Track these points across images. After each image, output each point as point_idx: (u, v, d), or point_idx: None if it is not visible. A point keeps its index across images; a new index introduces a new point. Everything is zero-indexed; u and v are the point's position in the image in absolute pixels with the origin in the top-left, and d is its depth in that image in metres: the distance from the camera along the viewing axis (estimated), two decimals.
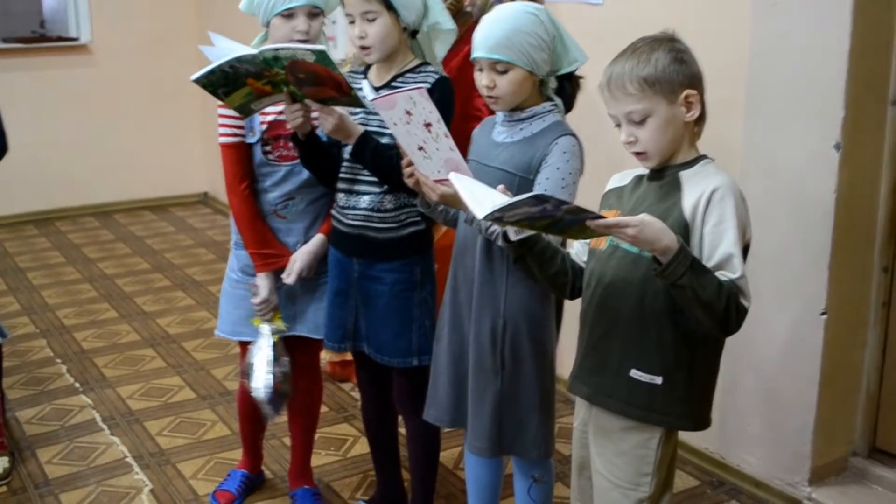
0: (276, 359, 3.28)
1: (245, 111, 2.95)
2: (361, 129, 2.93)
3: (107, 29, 7.98)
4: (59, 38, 8.04)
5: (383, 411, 3.43)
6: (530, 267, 2.52)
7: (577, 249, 2.57)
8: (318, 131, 3.06)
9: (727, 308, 2.17)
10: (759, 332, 3.49)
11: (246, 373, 3.32)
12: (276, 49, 2.70)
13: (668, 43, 2.30)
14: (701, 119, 2.34)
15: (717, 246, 2.22)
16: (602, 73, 2.32)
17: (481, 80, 2.67)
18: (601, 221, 2.10)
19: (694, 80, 2.30)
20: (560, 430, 2.96)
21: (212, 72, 2.74)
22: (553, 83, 2.75)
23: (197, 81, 2.77)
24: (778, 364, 3.52)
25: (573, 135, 2.70)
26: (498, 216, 2.14)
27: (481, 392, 2.83)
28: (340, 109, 2.89)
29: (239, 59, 2.71)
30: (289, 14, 3.06)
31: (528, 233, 2.34)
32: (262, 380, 3.26)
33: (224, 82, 2.79)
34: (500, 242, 2.61)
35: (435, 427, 3.21)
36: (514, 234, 2.38)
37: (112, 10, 7.96)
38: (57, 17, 8.32)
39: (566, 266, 2.52)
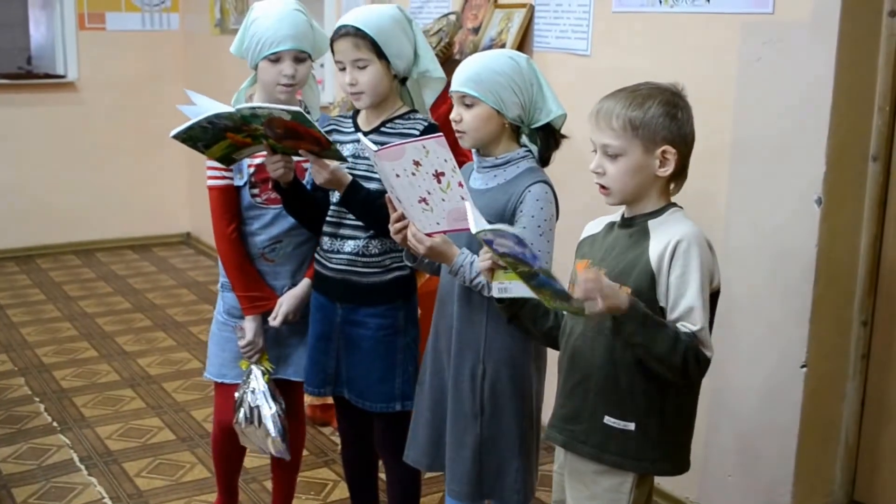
0: (274, 398, 3.29)
1: (227, 161, 2.99)
2: (350, 177, 2.94)
3: (94, 67, 7.99)
4: (46, 75, 8.05)
5: (364, 457, 3.42)
6: (525, 324, 2.56)
7: None
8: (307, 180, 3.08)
9: (684, 360, 2.21)
10: (739, 384, 3.52)
11: (249, 418, 3.29)
12: (253, 107, 2.74)
13: (669, 95, 2.35)
14: (679, 177, 2.39)
15: (680, 297, 2.26)
16: (598, 101, 2.38)
17: (452, 113, 2.73)
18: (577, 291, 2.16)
19: (678, 140, 2.33)
20: (542, 477, 2.96)
21: (190, 127, 2.79)
22: (536, 142, 2.79)
23: (176, 137, 2.82)
24: (758, 415, 3.52)
25: (546, 181, 2.73)
26: (490, 238, 2.20)
27: (460, 437, 2.83)
28: (331, 163, 2.90)
29: (217, 116, 2.75)
30: (275, 58, 3.09)
31: (513, 294, 2.37)
32: (270, 419, 3.26)
33: (203, 136, 2.84)
34: (488, 295, 2.64)
35: (416, 472, 3.21)
36: (496, 292, 2.40)
37: (100, 48, 7.98)
38: (44, 54, 8.32)
39: (560, 321, 2.55)
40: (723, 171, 3.48)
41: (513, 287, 2.34)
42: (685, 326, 2.23)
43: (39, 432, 4.61)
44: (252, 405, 3.28)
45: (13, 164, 7.74)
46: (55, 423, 4.71)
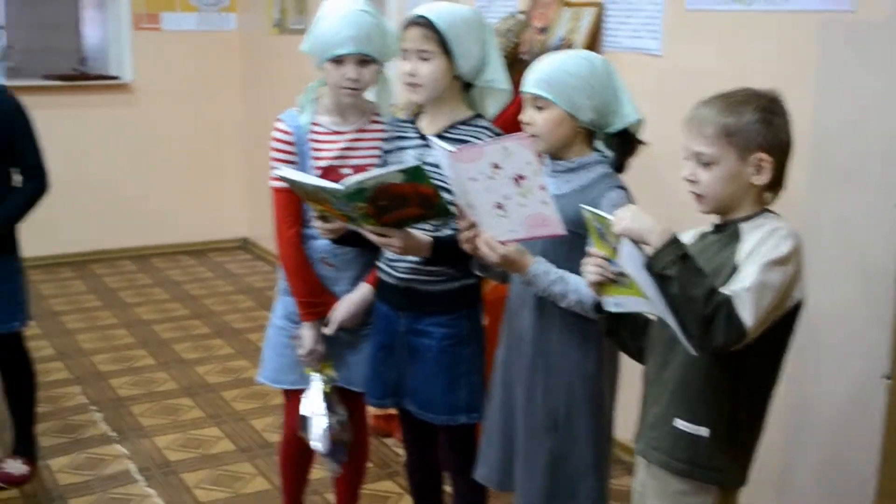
0: (331, 409, 3.23)
1: (321, 214, 2.90)
2: (430, 240, 2.86)
3: (149, 68, 7.93)
4: (100, 77, 8.02)
5: (429, 469, 3.37)
6: (623, 338, 2.50)
7: None
8: None
9: (714, 313, 2.08)
10: (819, 395, 3.45)
11: (302, 427, 3.26)
12: (361, 181, 2.61)
13: (765, 102, 2.28)
14: (776, 187, 2.31)
15: (747, 266, 2.17)
16: (693, 107, 2.32)
17: (523, 115, 2.67)
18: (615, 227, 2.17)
19: (774, 147, 2.26)
20: (616, 493, 2.88)
21: (294, 183, 2.78)
22: (612, 147, 2.73)
23: (283, 179, 2.83)
24: (839, 427, 3.45)
25: (622, 187, 2.67)
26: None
27: (533, 453, 2.77)
28: (411, 231, 2.83)
29: (322, 189, 2.69)
30: (338, 60, 3.03)
31: (629, 308, 2.32)
32: (318, 433, 3.21)
33: (304, 193, 2.82)
34: (564, 306, 2.62)
35: (482, 487, 3.15)
36: (612, 307, 2.34)
37: (155, 49, 7.93)
38: (98, 55, 8.31)
39: None
40: (801, 176, 3.37)
41: (628, 302, 2.29)
42: (728, 288, 2.13)
43: (96, 442, 4.58)
44: (303, 414, 3.26)
45: (67, 167, 7.64)
46: (112, 433, 4.67)
